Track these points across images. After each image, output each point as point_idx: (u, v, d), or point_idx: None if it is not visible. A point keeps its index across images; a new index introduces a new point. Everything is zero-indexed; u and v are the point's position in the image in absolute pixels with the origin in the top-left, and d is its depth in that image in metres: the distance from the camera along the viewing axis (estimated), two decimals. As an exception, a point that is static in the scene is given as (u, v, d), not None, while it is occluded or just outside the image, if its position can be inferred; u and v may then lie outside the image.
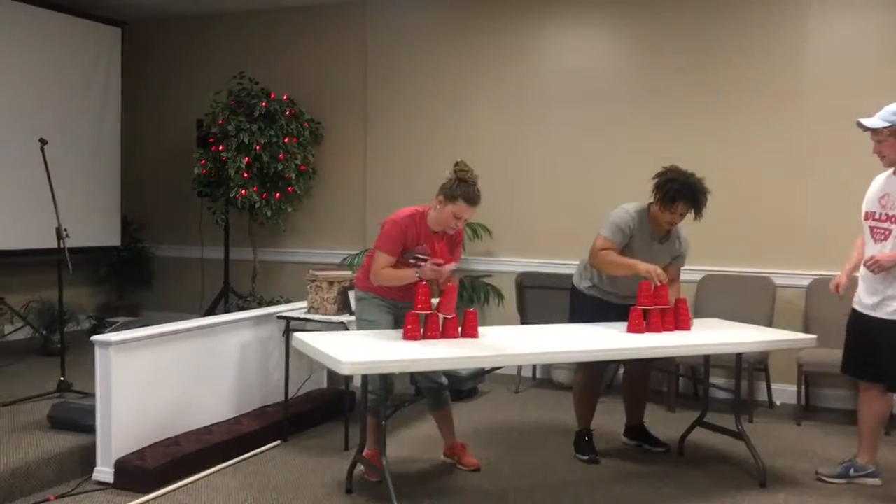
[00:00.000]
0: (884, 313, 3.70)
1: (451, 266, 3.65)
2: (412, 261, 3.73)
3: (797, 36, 5.47)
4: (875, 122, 3.70)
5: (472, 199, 3.70)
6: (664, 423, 4.86)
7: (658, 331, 3.87)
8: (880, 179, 3.84)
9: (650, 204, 4.09)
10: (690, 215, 4.02)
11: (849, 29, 5.36)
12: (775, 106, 5.52)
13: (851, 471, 3.90)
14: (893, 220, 3.69)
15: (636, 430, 4.50)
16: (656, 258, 4.03)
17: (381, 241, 3.75)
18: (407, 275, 3.68)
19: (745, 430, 4.08)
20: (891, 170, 3.78)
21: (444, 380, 4.08)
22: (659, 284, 3.85)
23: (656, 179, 4.02)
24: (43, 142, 4.88)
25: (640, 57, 5.89)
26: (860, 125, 3.74)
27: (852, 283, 3.89)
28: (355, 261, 6.23)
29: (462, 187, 3.68)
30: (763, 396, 5.46)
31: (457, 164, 3.72)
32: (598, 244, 4.04)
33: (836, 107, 5.19)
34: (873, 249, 3.75)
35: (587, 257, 4.19)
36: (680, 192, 3.92)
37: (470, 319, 3.59)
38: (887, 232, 3.71)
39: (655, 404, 5.17)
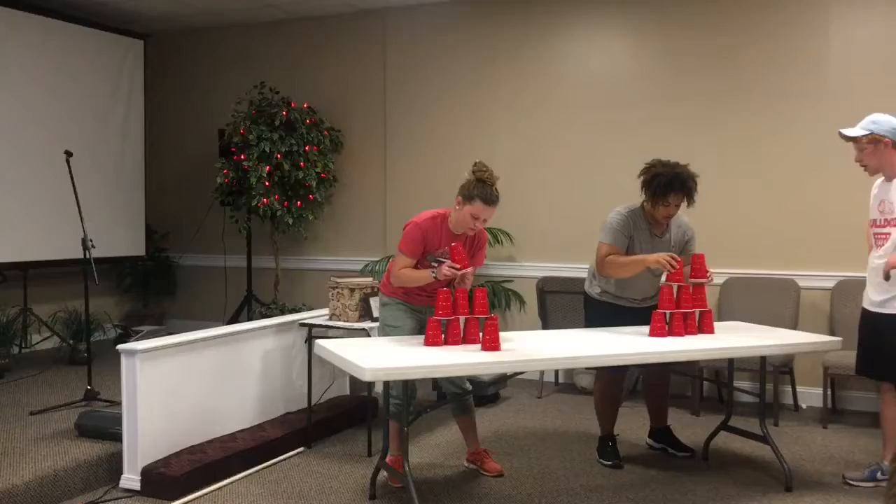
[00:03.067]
0: (892, 310, 3.68)
1: (470, 271, 3.65)
2: (434, 264, 3.75)
3: (819, 37, 5.42)
4: (855, 131, 3.75)
5: (490, 199, 3.69)
6: (689, 428, 4.83)
7: (680, 334, 3.85)
8: (875, 187, 3.87)
9: (643, 202, 4.08)
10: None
11: (871, 29, 5.31)
12: (798, 107, 5.48)
13: (878, 474, 3.85)
14: (892, 223, 3.72)
15: (661, 432, 4.47)
16: (662, 248, 4.02)
17: (402, 243, 3.78)
18: (423, 275, 3.70)
19: (770, 433, 4.04)
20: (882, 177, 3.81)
21: (468, 385, 4.08)
22: (675, 269, 3.83)
23: (642, 177, 4.01)
24: (68, 154, 4.95)
25: (661, 61, 5.87)
26: (841, 135, 3.78)
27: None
28: (376, 267, 6.26)
29: (479, 187, 3.68)
30: (788, 400, 5.41)
31: (475, 164, 3.73)
32: (603, 252, 4.03)
33: (859, 107, 5.09)
34: (875, 255, 3.76)
35: (594, 264, 4.19)
36: (669, 184, 3.91)
37: (491, 331, 3.46)
38: (886, 236, 3.73)
39: (680, 408, 5.15)
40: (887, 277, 3.61)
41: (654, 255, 3.89)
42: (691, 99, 5.75)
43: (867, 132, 3.71)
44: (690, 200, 3.98)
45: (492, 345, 3.43)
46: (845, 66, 5.35)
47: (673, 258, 3.84)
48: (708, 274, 3.96)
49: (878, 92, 5.10)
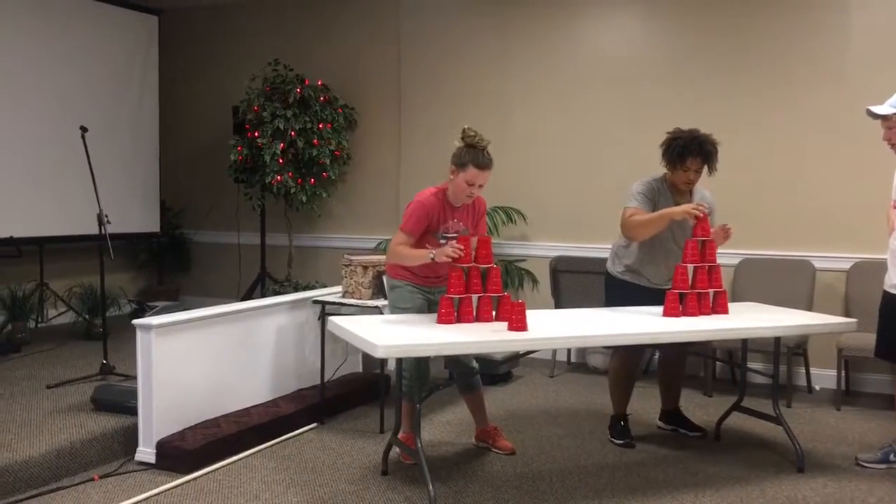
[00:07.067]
0: None
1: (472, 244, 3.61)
2: (443, 241, 3.73)
3: (839, 15, 5.34)
4: (884, 108, 3.67)
5: (482, 163, 3.64)
6: (701, 408, 4.83)
7: (694, 314, 3.84)
8: None
9: (665, 173, 4.08)
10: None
11: (890, 6, 5.23)
12: (816, 87, 5.41)
13: (891, 456, 3.85)
14: None
15: (672, 414, 4.47)
16: (684, 223, 3.99)
17: (406, 223, 3.74)
18: (419, 255, 3.65)
19: (783, 414, 4.04)
20: None
21: (475, 364, 4.09)
22: (702, 215, 3.81)
23: (663, 146, 4.01)
24: (84, 129, 4.97)
25: (677, 38, 5.81)
26: (869, 113, 3.70)
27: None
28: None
29: (470, 153, 3.64)
30: (802, 381, 5.40)
31: (464, 130, 3.67)
32: (627, 214, 4.01)
33: (878, 87, 5.05)
34: None
35: (619, 241, 4.18)
36: (686, 147, 3.90)
37: (518, 312, 3.42)
38: None
39: (692, 389, 5.14)
40: None
41: (679, 208, 3.86)
42: (708, 77, 5.69)
43: None
44: (711, 167, 3.96)
45: (518, 325, 3.41)
46: (864, 46, 5.27)
47: (697, 206, 3.82)
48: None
49: (895, 71, 5.04)
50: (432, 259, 3.57)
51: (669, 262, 4.06)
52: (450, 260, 3.51)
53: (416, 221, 3.72)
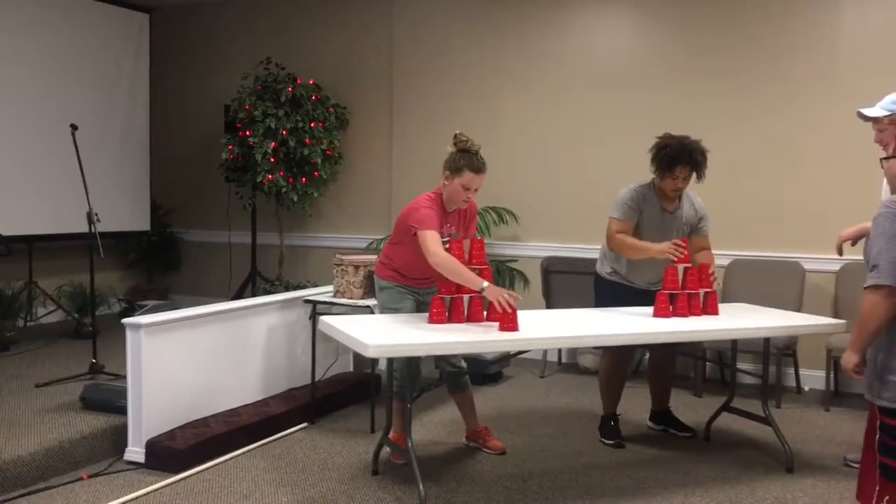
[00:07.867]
0: None
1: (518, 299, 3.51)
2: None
3: (829, 16, 5.37)
4: (875, 111, 3.69)
5: (477, 167, 3.66)
6: (691, 408, 4.84)
7: (685, 315, 3.85)
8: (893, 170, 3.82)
9: (653, 179, 4.08)
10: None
11: (882, 8, 5.26)
12: (807, 88, 5.43)
13: (880, 457, 3.86)
14: None
15: (662, 415, 4.48)
16: (670, 229, 4.02)
17: (425, 223, 3.60)
18: (471, 281, 3.48)
19: (772, 415, 4.06)
20: None
21: (463, 364, 4.09)
22: (680, 258, 3.83)
23: (652, 152, 4.00)
24: (73, 127, 4.94)
25: (668, 39, 5.83)
26: (860, 115, 3.72)
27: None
28: (380, 245, 6.25)
29: (465, 157, 3.65)
30: (791, 382, 5.42)
31: (455, 135, 3.69)
32: (613, 227, 4.03)
33: (868, 89, 5.06)
34: None
35: (605, 244, 4.20)
36: (675, 155, 3.90)
37: (511, 312, 3.40)
38: None
39: (682, 389, 5.16)
40: (840, 252, 3.63)
41: (659, 246, 3.87)
42: (698, 78, 5.71)
43: (889, 113, 3.66)
44: (699, 174, 3.97)
45: (509, 326, 3.40)
46: (854, 47, 5.30)
47: (677, 247, 3.83)
48: (713, 278, 3.96)
49: (885, 73, 5.05)
50: (482, 292, 3.46)
51: (655, 266, 4.07)
52: (501, 308, 3.38)
53: (433, 220, 3.62)
